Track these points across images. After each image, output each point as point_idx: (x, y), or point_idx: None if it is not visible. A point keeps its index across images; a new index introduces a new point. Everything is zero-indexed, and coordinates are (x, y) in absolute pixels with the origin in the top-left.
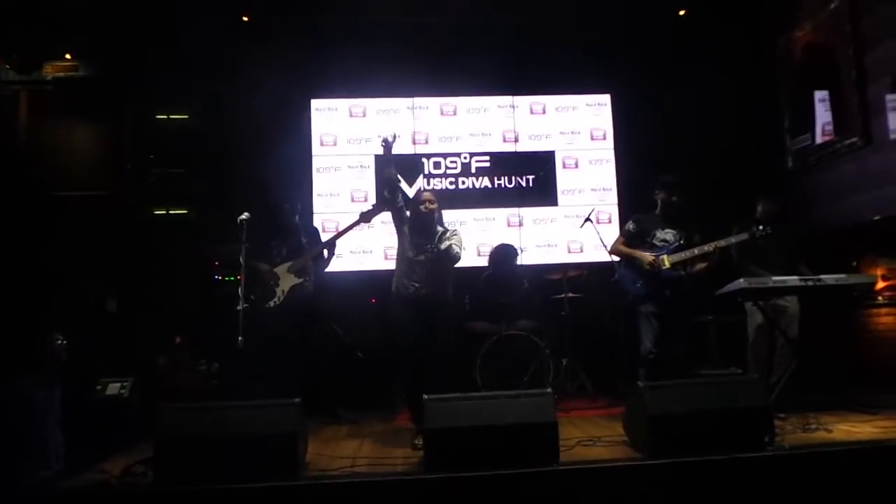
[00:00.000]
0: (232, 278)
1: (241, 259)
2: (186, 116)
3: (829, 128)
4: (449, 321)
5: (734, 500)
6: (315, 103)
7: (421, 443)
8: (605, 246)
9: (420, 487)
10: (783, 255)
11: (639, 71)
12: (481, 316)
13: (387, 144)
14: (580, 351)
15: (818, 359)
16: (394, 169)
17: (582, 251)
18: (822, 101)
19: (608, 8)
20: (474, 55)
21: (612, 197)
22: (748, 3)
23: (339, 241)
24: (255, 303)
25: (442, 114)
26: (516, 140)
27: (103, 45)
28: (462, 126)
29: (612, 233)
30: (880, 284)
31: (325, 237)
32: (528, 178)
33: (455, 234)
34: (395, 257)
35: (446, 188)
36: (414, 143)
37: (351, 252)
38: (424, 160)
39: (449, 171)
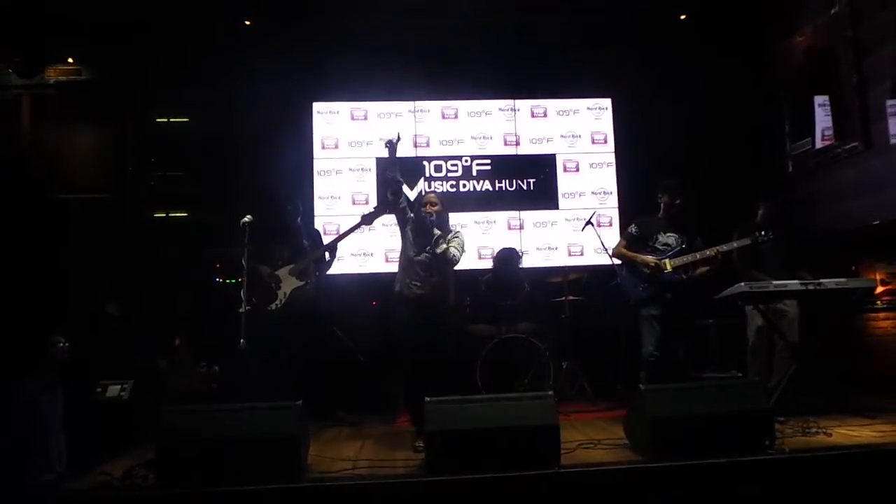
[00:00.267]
0: (232, 281)
1: (243, 262)
2: (187, 120)
3: (830, 132)
4: (449, 323)
5: None
6: (316, 106)
7: (422, 445)
8: (606, 249)
9: (421, 490)
10: (783, 259)
11: (640, 75)
12: (482, 318)
13: (391, 146)
14: (580, 354)
15: (817, 362)
16: (398, 170)
17: (582, 254)
18: (823, 105)
19: (609, 12)
20: (476, 58)
21: (613, 200)
22: (749, 7)
23: (340, 244)
24: (257, 305)
25: (443, 117)
26: (517, 143)
27: (105, 49)
28: (463, 129)
29: (612, 236)
30: (879, 289)
31: (326, 240)
32: (529, 181)
33: (456, 237)
34: (396, 260)
35: (447, 191)
36: (415, 146)
37: (352, 255)
38: (426, 163)
39: (450, 174)
